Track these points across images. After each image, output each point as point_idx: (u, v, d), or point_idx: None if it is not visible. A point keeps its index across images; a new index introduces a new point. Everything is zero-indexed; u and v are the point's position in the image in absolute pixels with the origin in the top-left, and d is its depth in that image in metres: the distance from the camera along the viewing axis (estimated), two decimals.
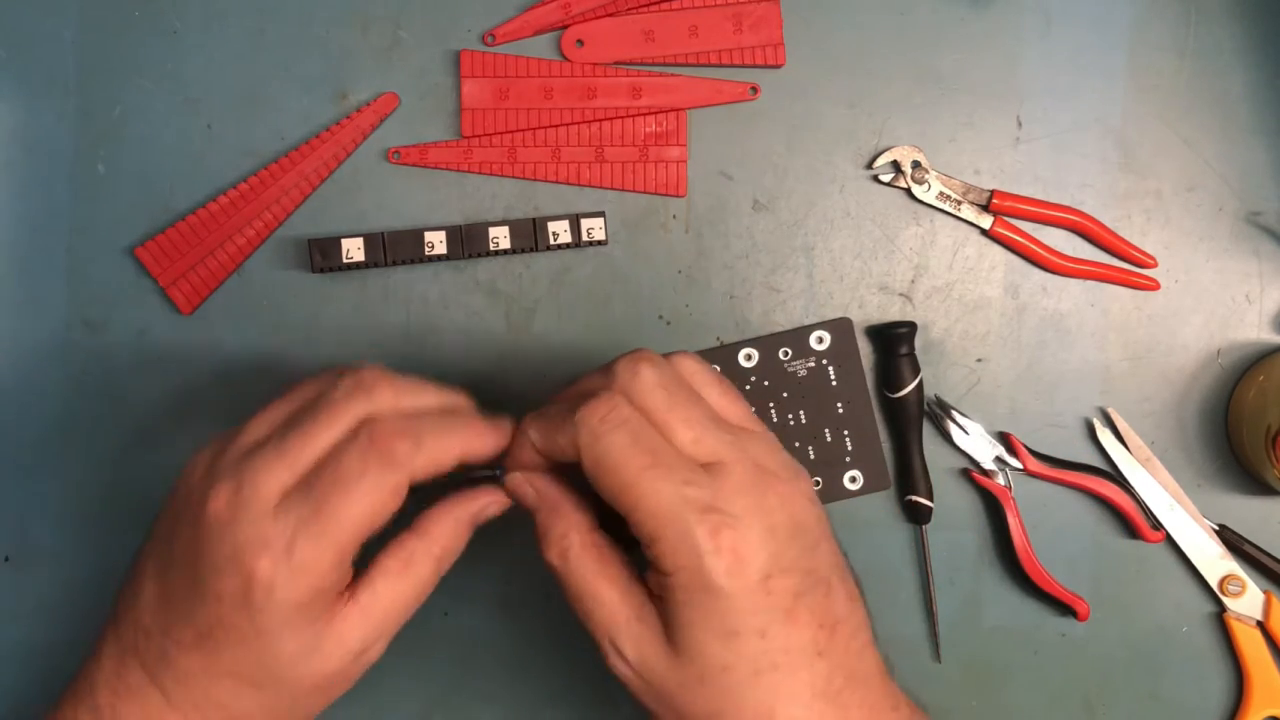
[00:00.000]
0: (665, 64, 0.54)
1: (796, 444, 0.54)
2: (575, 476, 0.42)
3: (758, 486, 0.40)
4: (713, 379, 0.43)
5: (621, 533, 0.41)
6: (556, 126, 0.53)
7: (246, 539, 0.39)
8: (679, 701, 0.39)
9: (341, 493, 0.39)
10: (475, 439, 0.43)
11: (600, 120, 0.53)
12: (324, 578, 0.39)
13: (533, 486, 0.43)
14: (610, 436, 0.39)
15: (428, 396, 0.43)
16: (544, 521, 0.42)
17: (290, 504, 0.39)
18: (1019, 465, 0.53)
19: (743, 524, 0.38)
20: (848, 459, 0.54)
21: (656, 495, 0.38)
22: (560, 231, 0.52)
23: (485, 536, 0.53)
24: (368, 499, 0.39)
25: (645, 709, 0.41)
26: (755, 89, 0.54)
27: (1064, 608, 0.53)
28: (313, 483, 0.39)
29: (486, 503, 0.44)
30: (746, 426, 0.42)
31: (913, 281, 0.54)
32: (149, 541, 0.43)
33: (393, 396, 0.42)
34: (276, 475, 0.39)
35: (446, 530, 0.43)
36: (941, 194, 0.54)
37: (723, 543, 0.38)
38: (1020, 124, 0.54)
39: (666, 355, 0.42)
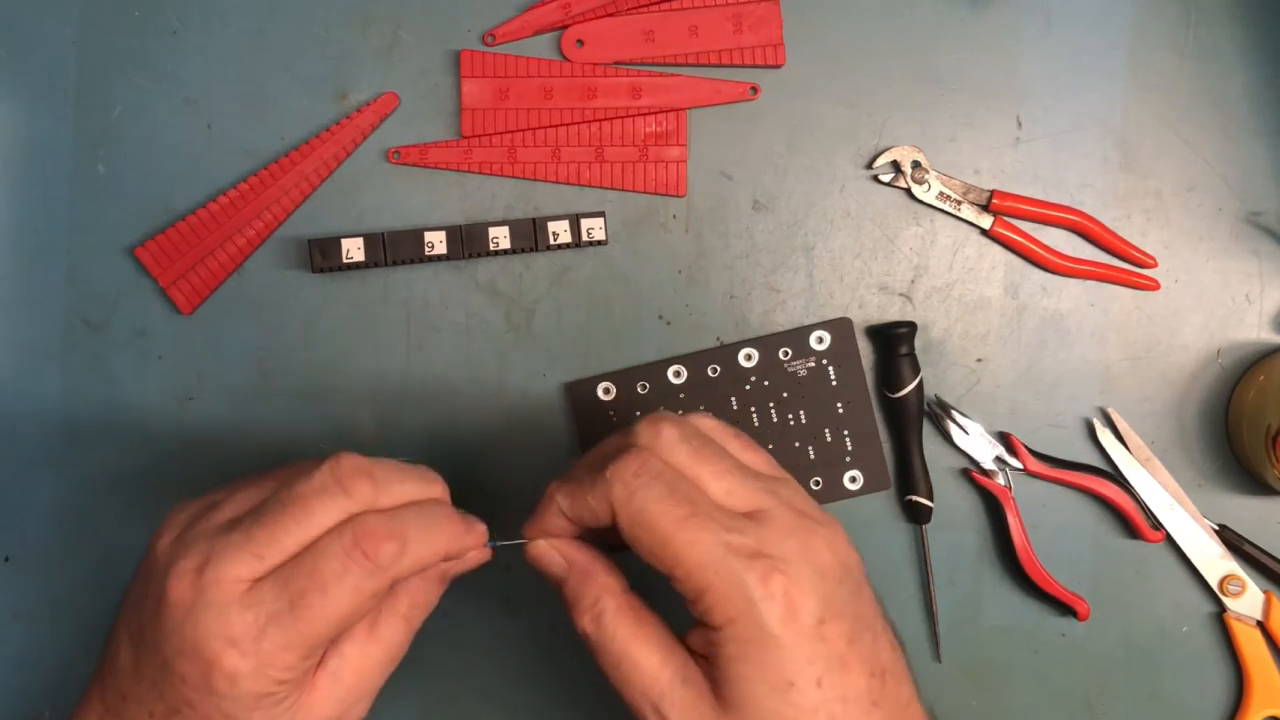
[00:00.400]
0: (665, 64, 0.54)
1: (796, 444, 0.54)
2: (599, 545, 0.42)
3: (801, 530, 0.39)
4: (731, 433, 0.42)
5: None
6: (556, 126, 0.53)
7: (210, 628, 0.37)
8: None
9: (319, 592, 0.37)
10: (457, 539, 0.41)
11: (600, 120, 0.53)
12: (291, 671, 0.38)
13: (560, 554, 0.41)
14: (646, 490, 0.38)
15: (407, 486, 0.41)
16: (574, 589, 0.41)
17: (262, 596, 0.37)
18: (1019, 465, 0.53)
19: (793, 568, 0.37)
20: (848, 459, 0.54)
21: (699, 545, 0.37)
22: (560, 231, 0.52)
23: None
24: (347, 601, 0.38)
25: None
26: (755, 89, 0.54)
27: (1064, 608, 0.53)
28: (289, 578, 0.38)
29: (456, 561, 0.42)
30: (775, 474, 0.42)
31: (913, 281, 0.54)
32: (125, 601, 0.42)
33: (372, 492, 0.39)
34: (244, 564, 0.38)
35: (415, 588, 0.42)
36: (941, 194, 0.54)
37: (775, 588, 0.37)
38: (1020, 124, 0.54)
39: (682, 416, 0.42)
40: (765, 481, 0.40)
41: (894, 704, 0.39)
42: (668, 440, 0.40)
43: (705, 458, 0.40)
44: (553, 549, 0.41)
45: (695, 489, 0.39)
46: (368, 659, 0.40)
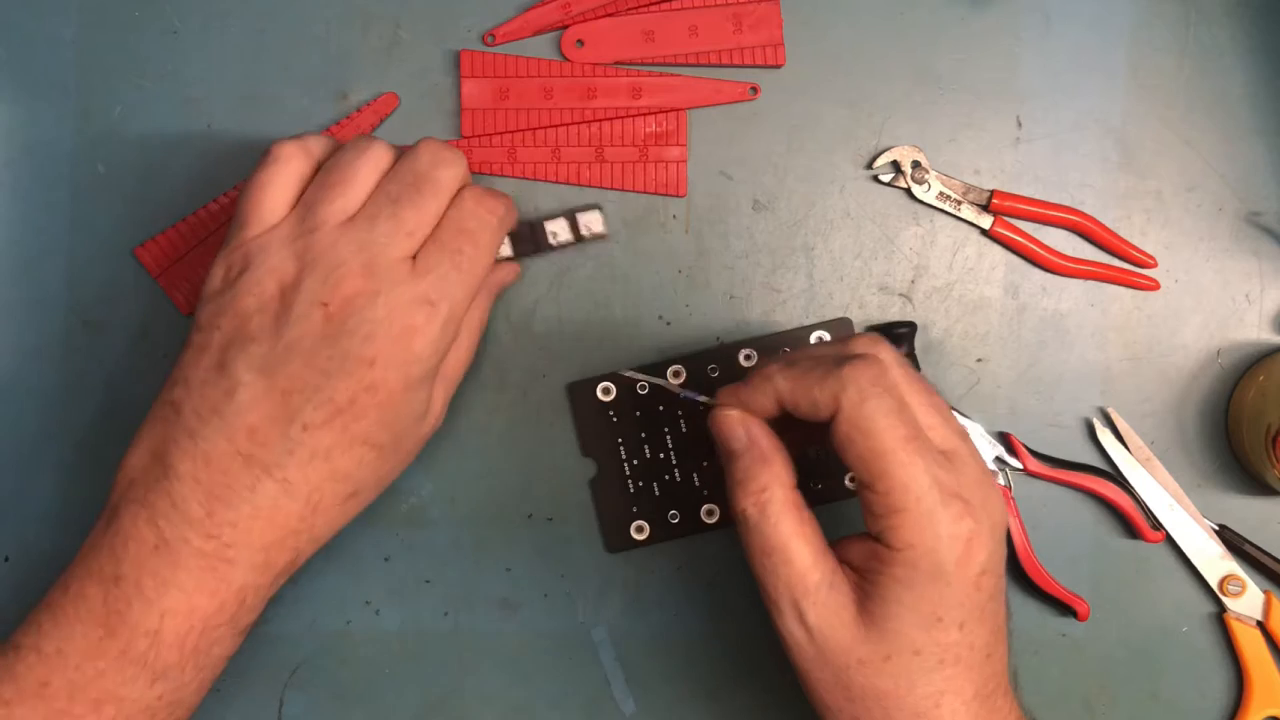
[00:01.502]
0: (665, 64, 0.54)
1: None
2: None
3: (987, 483, 0.41)
4: (923, 378, 0.43)
5: None
6: (556, 126, 0.53)
7: (403, 297, 0.42)
8: (852, 674, 0.40)
9: (473, 244, 0.44)
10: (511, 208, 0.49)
11: (600, 120, 0.53)
12: (458, 326, 0.45)
13: (745, 429, 0.42)
14: (879, 400, 0.39)
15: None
16: (746, 468, 0.42)
17: (429, 262, 0.43)
18: (1019, 465, 0.53)
19: (980, 516, 0.39)
20: None
21: (911, 469, 0.39)
22: (560, 231, 0.52)
23: (485, 536, 0.53)
24: (493, 248, 0.46)
25: (802, 673, 0.41)
26: (755, 89, 0.54)
27: (1064, 608, 0.53)
28: (443, 242, 0.44)
29: (506, 273, 0.51)
30: (958, 425, 0.43)
31: (913, 281, 0.54)
32: (231, 347, 0.42)
33: (461, 167, 0.46)
34: (401, 245, 0.43)
35: (478, 301, 0.48)
36: (941, 194, 0.54)
37: (961, 531, 0.39)
38: (1020, 124, 0.54)
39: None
40: (957, 426, 0.42)
41: (1000, 660, 0.42)
42: (889, 359, 0.41)
43: (917, 387, 0.41)
44: (741, 423, 0.43)
45: (914, 414, 0.40)
46: (458, 361, 0.48)
